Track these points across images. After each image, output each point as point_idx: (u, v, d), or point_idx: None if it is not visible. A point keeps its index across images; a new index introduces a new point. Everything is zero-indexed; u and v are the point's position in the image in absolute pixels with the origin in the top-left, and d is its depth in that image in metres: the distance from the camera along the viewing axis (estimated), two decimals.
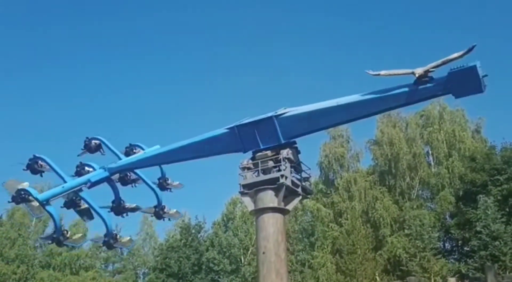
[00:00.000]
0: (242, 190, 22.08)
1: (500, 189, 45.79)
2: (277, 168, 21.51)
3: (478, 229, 43.22)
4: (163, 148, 24.23)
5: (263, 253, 20.63)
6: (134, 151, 25.52)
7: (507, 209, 45.41)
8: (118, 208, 24.50)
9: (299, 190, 22.19)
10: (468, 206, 46.83)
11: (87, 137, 25.57)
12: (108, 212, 24.21)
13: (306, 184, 22.88)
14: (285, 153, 21.66)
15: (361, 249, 46.91)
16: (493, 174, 46.83)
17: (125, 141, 26.15)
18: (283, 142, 21.51)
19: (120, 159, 24.95)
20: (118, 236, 24.01)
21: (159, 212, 25.83)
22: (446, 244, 53.60)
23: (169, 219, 26.56)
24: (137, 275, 63.75)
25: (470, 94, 19.93)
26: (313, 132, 22.31)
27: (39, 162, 24.13)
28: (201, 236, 59.13)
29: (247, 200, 22.00)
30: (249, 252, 54.44)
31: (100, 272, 59.54)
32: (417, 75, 19.67)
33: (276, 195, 21.19)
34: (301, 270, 50.34)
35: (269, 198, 21.19)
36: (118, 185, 25.10)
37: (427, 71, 19.46)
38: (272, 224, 20.98)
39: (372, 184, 55.88)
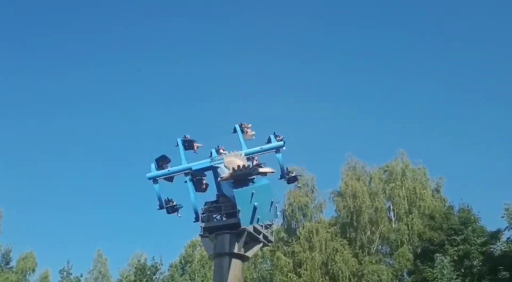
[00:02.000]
0: (202, 232, 21.82)
1: (456, 249, 46.62)
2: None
3: None
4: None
5: None
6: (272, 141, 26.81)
7: (463, 270, 46.11)
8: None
9: (261, 237, 22.10)
10: (425, 264, 47.32)
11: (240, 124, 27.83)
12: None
13: (268, 231, 22.82)
14: None
15: None
16: (450, 234, 47.77)
17: None
18: (219, 192, 22.29)
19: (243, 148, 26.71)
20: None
21: None
22: None
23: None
24: None
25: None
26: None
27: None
28: (156, 278, 57.19)
29: (207, 243, 21.73)
30: None
31: None
32: (218, 179, 17.34)
33: (237, 241, 21.02)
34: None
35: (229, 243, 20.98)
36: None
37: (233, 176, 16.24)
38: (230, 270, 20.67)
39: (333, 235, 55.90)
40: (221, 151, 25.46)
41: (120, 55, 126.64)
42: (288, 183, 27.46)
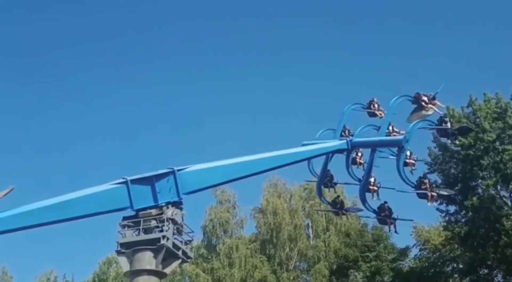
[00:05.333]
0: (119, 248, 21.02)
1: (369, 265, 48.82)
2: (160, 228, 20.95)
3: None
4: None
5: None
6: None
7: None
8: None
9: (180, 253, 21.68)
10: (340, 280, 49.00)
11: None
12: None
13: (188, 247, 22.44)
14: (170, 213, 21.28)
15: None
16: (364, 250, 49.98)
17: None
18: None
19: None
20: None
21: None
22: None
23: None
24: None
25: None
26: None
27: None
28: None
29: (123, 260, 20.93)
30: None
31: None
32: None
33: (155, 257, 20.47)
34: None
35: (147, 260, 20.37)
36: None
37: None
38: None
39: (253, 252, 56.19)
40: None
41: None
42: (420, 197, 24.75)
